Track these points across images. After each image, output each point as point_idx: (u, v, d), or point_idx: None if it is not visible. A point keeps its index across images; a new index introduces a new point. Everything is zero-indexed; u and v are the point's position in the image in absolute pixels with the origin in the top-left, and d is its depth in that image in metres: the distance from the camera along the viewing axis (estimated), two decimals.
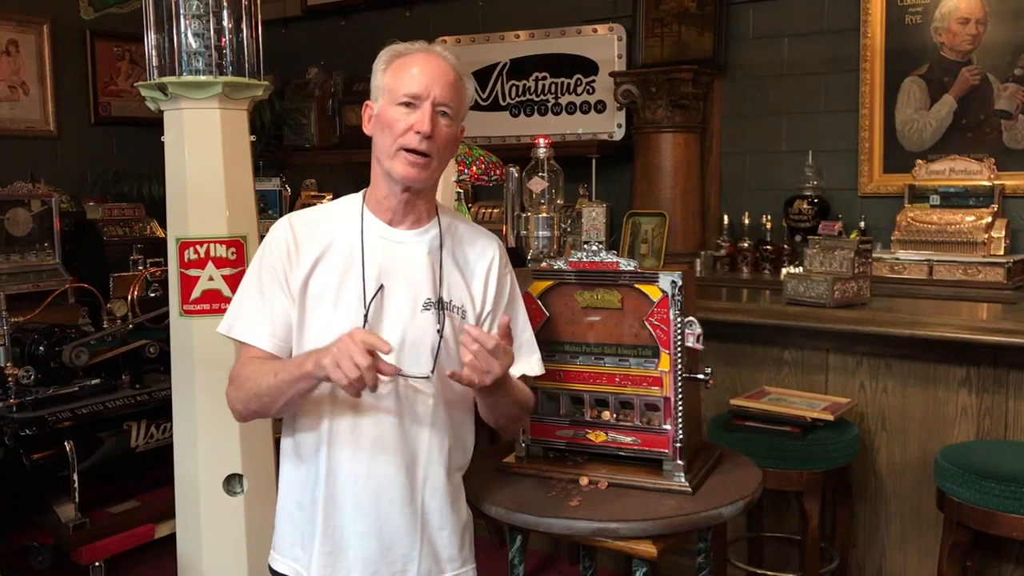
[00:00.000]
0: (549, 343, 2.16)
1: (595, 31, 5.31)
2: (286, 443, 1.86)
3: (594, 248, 2.11)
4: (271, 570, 1.89)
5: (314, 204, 6.26)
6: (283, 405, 1.73)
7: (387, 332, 1.73)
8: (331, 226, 1.81)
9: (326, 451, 1.77)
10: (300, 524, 1.82)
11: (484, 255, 1.88)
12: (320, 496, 1.77)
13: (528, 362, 1.92)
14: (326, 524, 1.77)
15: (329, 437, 1.77)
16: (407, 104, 1.72)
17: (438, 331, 1.77)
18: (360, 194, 1.86)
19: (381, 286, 1.75)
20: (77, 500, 3.49)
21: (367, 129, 1.81)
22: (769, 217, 4.66)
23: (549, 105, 5.47)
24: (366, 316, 1.73)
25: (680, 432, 2.05)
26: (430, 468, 1.80)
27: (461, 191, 3.98)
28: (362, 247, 1.77)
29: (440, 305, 1.78)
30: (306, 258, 1.77)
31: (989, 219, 4.03)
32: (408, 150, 1.72)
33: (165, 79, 2.83)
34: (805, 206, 4.59)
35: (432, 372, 1.76)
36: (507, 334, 1.71)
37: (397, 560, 1.79)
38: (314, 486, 1.79)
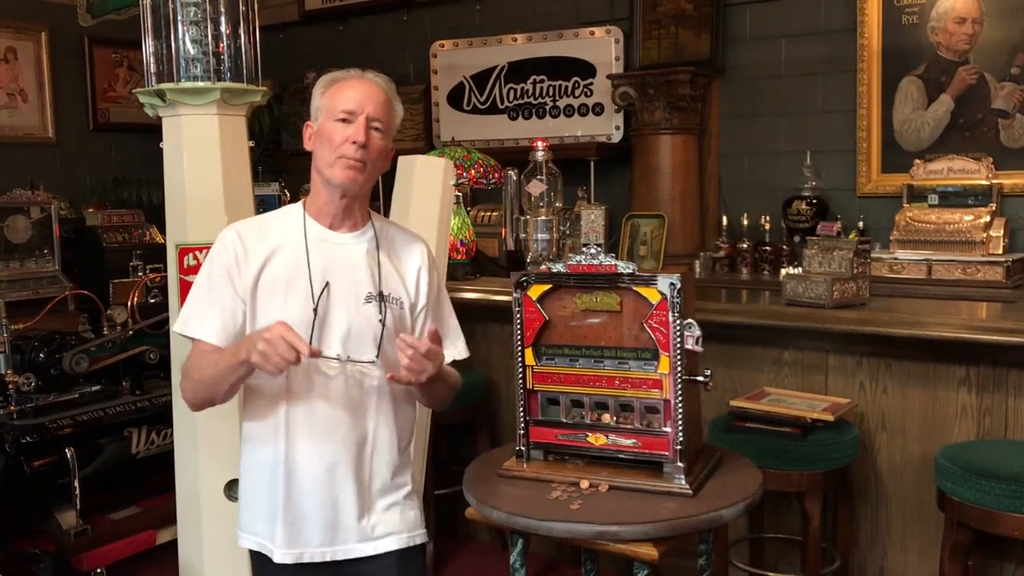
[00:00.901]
0: (548, 346, 2.16)
1: (592, 34, 5.32)
2: (248, 428, 2.02)
3: (592, 251, 2.11)
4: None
5: None
6: (227, 390, 1.92)
7: (335, 323, 1.94)
8: (276, 231, 1.99)
9: (284, 434, 1.95)
10: (262, 502, 1.98)
11: (413, 255, 2.08)
12: (280, 474, 1.95)
13: (455, 348, 2.11)
14: (287, 499, 1.95)
15: (287, 421, 1.95)
16: (343, 120, 1.92)
17: (380, 321, 1.97)
18: (299, 204, 2.04)
19: (327, 283, 1.94)
20: (78, 507, 3.49)
21: (308, 145, 2.00)
22: (768, 218, 4.66)
23: (547, 108, 5.47)
24: (315, 310, 1.91)
25: (680, 434, 2.05)
26: (377, 442, 1.99)
27: (459, 195, 3.98)
28: (307, 249, 1.96)
29: (381, 298, 1.98)
30: (255, 259, 1.95)
31: (987, 218, 4.03)
32: (348, 157, 1.91)
33: (163, 85, 2.84)
34: (804, 207, 4.60)
35: (376, 357, 1.96)
36: (436, 338, 1.89)
37: (350, 526, 1.97)
38: (274, 466, 1.96)
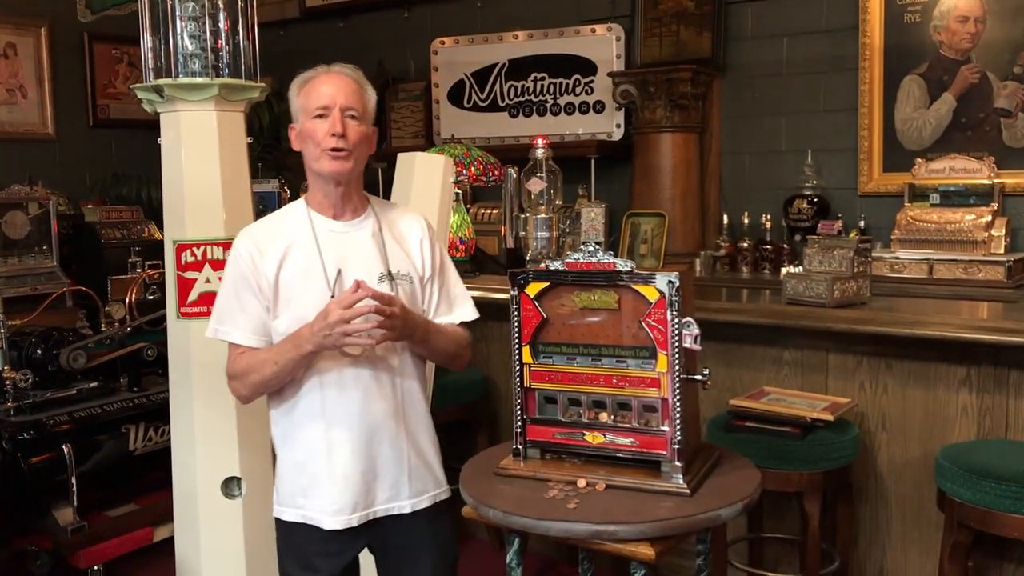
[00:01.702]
0: (546, 344, 2.15)
1: (593, 31, 5.30)
2: (283, 410, 2.14)
3: (591, 249, 2.10)
4: (276, 520, 2.17)
5: None
6: (289, 381, 2.07)
7: None
8: (285, 230, 2.11)
9: (321, 411, 2.08)
10: (305, 476, 2.10)
11: (413, 229, 2.20)
12: (322, 449, 2.08)
13: (463, 310, 2.24)
14: (330, 470, 2.07)
15: (322, 399, 2.08)
16: (320, 116, 2.04)
17: None
18: (301, 201, 2.17)
19: (339, 270, 2.07)
20: (75, 504, 3.49)
21: (295, 147, 2.13)
22: (769, 217, 4.65)
23: (548, 105, 5.46)
24: (333, 296, 2.02)
25: (678, 433, 2.04)
26: (406, 408, 2.13)
27: (459, 192, 3.97)
28: (316, 242, 2.09)
29: (391, 276, 2.10)
30: (271, 260, 2.08)
31: (989, 217, 4.01)
32: (330, 150, 2.03)
33: (161, 81, 2.83)
34: (805, 205, 4.59)
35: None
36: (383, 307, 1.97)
37: (389, 488, 2.12)
38: (314, 441, 2.09)
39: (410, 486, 2.13)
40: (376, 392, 2.08)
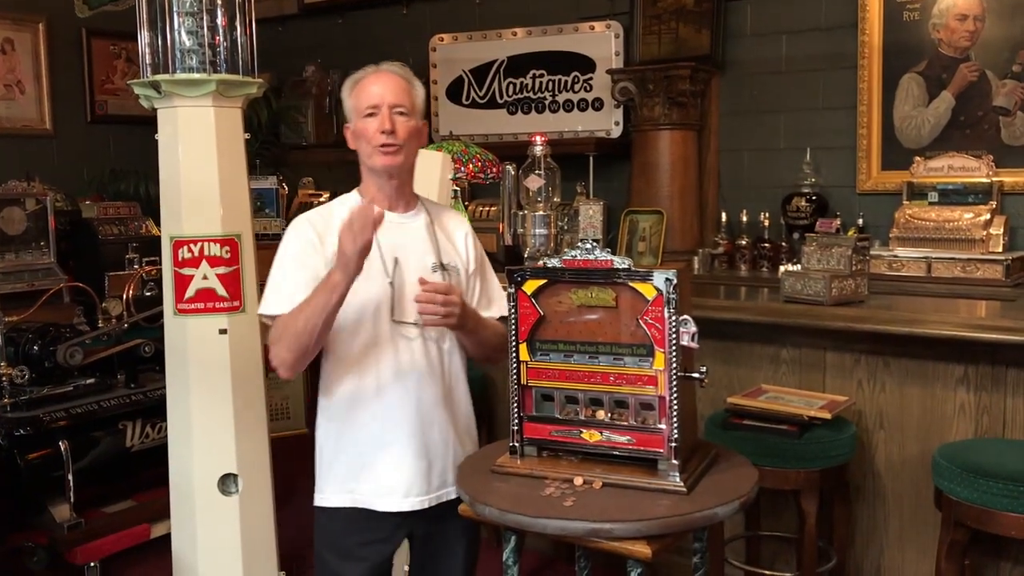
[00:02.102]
0: (543, 342, 2.14)
1: (592, 28, 5.30)
2: (338, 396, 2.22)
3: (588, 246, 2.09)
4: (319, 509, 2.25)
5: (312, 202, 6.29)
6: (322, 327, 2.06)
7: (409, 293, 2.15)
8: (341, 219, 2.10)
9: (377, 396, 2.18)
10: (360, 460, 2.19)
11: (459, 228, 2.36)
12: (377, 432, 2.18)
13: (500, 305, 2.32)
14: (386, 454, 2.17)
15: (378, 384, 2.18)
16: (370, 114, 2.16)
17: None
18: (354, 193, 2.27)
19: (396, 259, 2.18)
20: (72, 500, 3.48)
21: (351, 145, 2.24)
22: (767, 214, 4.65)
23: (546, 103, 5.45)
24: (392, 284, 2.16)
25: (675, 431, 2.03)
26: (455, 393, 2.28)
27: (457, 189, 3.96)
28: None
29: (443, 267, 2.23)
30: (328, 246, 2.14)
31: (988, 216, 4.01)
32: (381, 146, 2.15)
33: (159, 77, 2.83)
34: (803, 203, 4.58)
35: None
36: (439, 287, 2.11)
37: (441, 471, 2.23)
38: (369, 425, 2.18)
39: (455, 473, 2.21)
40: (428, 377, 2.20)
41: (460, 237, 2.32)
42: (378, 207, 2.05)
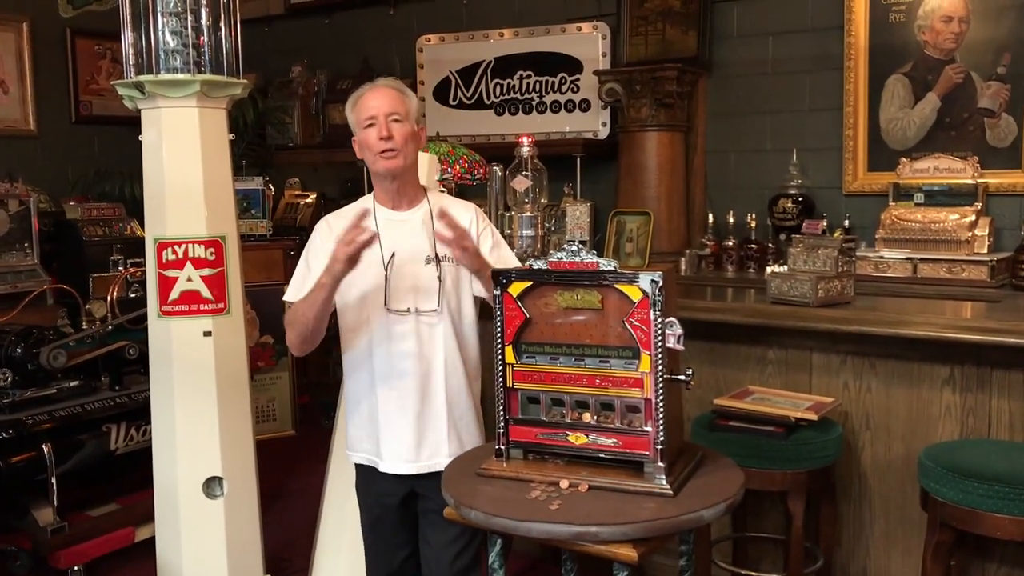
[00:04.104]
0: (529, 344, 2.14)
1: (579, 29, 5.30)
2: (347, 370, 2.57)
3: (574, 248, 2.08)
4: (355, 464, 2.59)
5: (298, 203, 6.26)
6: (314, 321, 2.36)
7: (403, 283, 2.42)
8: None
9: (373, 372, 2.47)
10: (364, 426, 2.51)
11: (463, 217, 2.49)
12: (376, 404, 2.47)
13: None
14: (384, 423, 2.47)
15: (374, 363, 2.47)
16: (370, 125, 2.42)
17: (438, 278, 2.44)
18: (370, 196, 2.55)
19: (393, 253, 2.41)
20: (55, 503, 3.46)
21: (359, 155, 2.50)
22: (754, 216, 4.65)
23: (533, 104, 5.45)
24: (386, 275, 2.40)
25: (661, 434, 2.02)
26: (448, 369, 2.47)
27: (444, 190, 3.95)
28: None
29: (437, 259, 2.44)
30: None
31: (973, 217, 4.03)
32: (381, 152, 2.41)
33: (142, 77, 2.80)
34: (790, 205, 4.59)
35: (439, 306, 2.44)
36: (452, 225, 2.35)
37: (434, 442, 2.47)
38: (369, 396, 2.49)
39: (449, 446, 2.45)
40: (418, 361, 2.43)
41: (465, 222, 2.47)
42: (370, 228, 2.30)
